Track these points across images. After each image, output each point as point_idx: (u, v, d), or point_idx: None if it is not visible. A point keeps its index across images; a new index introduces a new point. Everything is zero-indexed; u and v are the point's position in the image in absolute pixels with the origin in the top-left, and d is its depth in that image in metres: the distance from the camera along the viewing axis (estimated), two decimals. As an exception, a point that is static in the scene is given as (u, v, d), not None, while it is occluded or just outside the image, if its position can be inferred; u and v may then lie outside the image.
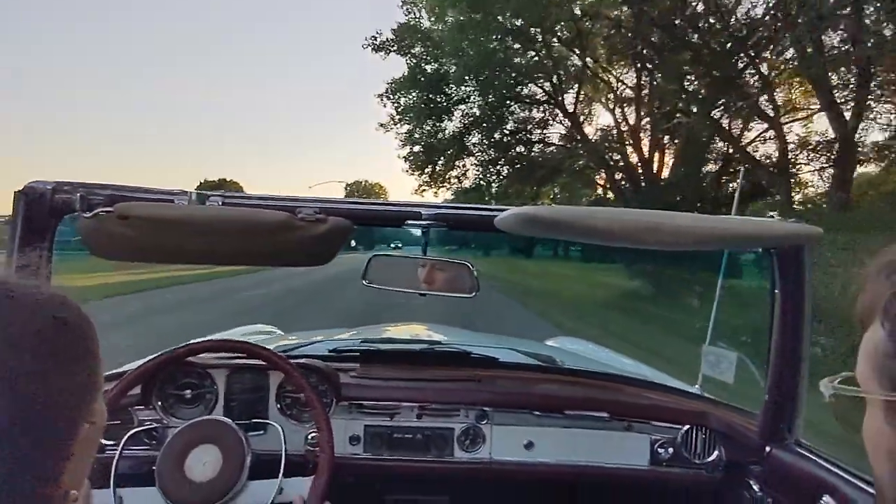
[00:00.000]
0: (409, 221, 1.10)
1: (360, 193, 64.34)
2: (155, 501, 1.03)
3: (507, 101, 16.90)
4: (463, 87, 16.80)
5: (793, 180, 12.79)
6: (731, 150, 13.79)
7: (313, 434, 1.26)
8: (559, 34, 15.19)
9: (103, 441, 0.94)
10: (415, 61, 17.65)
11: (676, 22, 11.77)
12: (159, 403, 1.25)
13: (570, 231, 0.96)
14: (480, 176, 18.50)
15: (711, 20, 11.86)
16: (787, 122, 12.77)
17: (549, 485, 1.42)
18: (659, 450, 1.35)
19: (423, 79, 17.49)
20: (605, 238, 0.97)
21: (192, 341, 1.16)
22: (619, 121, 16.66)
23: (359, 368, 1.43)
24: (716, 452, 1.34)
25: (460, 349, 1.55)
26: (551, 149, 18.10)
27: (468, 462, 1.32)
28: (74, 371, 0.44)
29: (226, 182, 46.99)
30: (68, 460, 0.43)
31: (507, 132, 17.66)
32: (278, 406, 1.29)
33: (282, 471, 1.08)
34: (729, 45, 11.62)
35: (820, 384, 0.51)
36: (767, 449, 1.18)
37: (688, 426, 1.35)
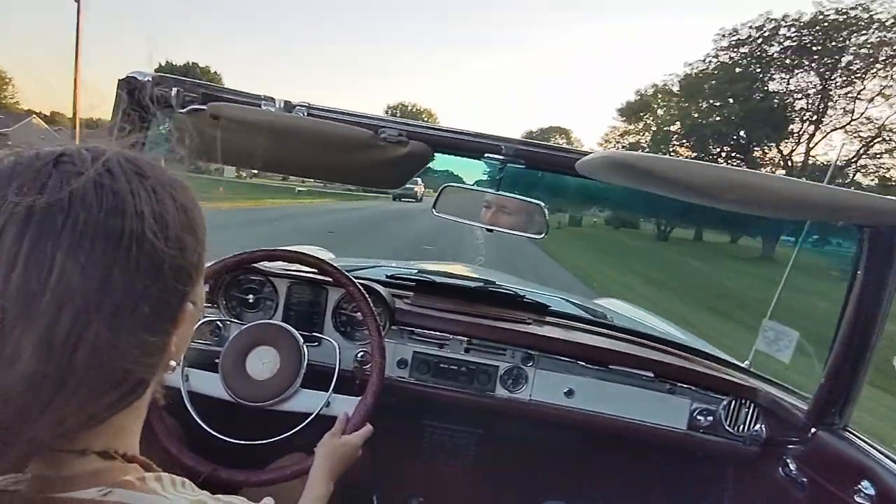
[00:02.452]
0: (489, 154, 1.11)
1: (404, 115, 61.68)
2: (215, 387, 1.12)
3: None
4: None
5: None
6: None
7: (362, 353, 1.34)
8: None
9: None
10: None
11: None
12: (224, 303, 1.34)
13: (652, 181, 0.96)
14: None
15: None
16: None
17: (583, 432, 1.48)
18: (698, 416, 1.38)
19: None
20: (684, 192, 0.96)
21: (263, 248, 1.22)
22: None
23: (413, 297, 1.49)
24: (757, 426, 1.37)
25: (514, 291, 1.59)
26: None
27: (507, 400, 1.38)
28: (194, 248, 0.47)
29: (195, 67, 42.72)
30: (175, 330, 0.47)
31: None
32: (333, 322, 1.37)
33: (332, 385, 1.15)
34: None
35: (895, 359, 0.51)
36: (813, 430, 1.20)
37: (732, 398, 1.38)
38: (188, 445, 1.07)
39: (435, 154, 1.10)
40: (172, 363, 0.49)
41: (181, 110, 1.01)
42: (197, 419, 1.08)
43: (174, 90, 1.01)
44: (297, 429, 1.09)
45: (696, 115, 26.25)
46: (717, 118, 25.02)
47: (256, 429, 1.11)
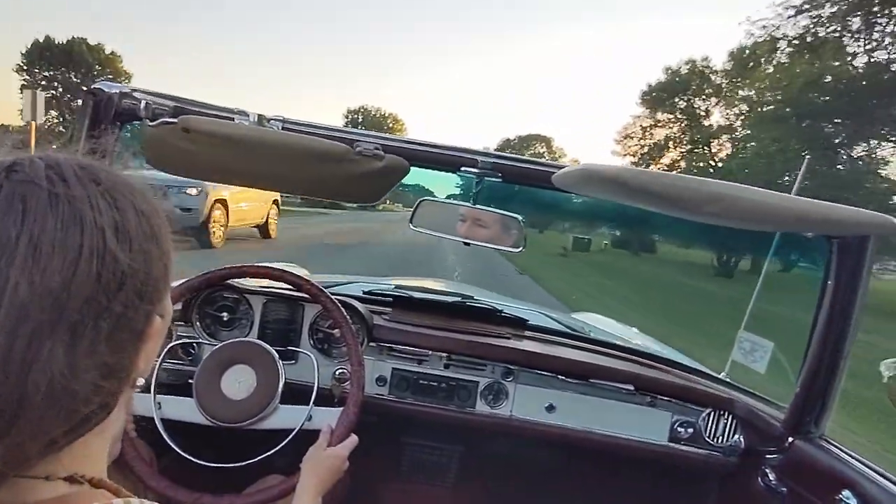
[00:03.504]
0: (465, 168, 1.12)
1: (363, 124, 59.37)
2: (191, 411, 1.09)
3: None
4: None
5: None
6: None
7: (340, 370, 1.32)
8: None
9: None
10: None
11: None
12: (198, 322, 1.31)
13: (629, 194, 0.98)
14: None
15: None
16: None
17: (565, 448, 1.48)
18: (679, 428, 1.39)
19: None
20: (662, 204, 0.98)
21: (236, 265, 1.20)
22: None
23: (391, 313, 1.48)
24: (735, 437, 1.39)
25: (492, 306, 1.59)
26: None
27: (488, 416, 1.37)
28: (158, 258, 0.45)
29: (82, 44, 36.56)
30: (142, 347, 0.45)
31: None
32: (310, 339, 1.35)
33: (313, 399, 1.13)
34: None
35: (881, 364, 0.53)
36: (790, 440, 1.22)
37: (711, 409, 1.39)
38: (167, 475, 1.04)
39: (411, 168, 1.11)
40: (140, 381, 0.48)
41: (150, 123, 1.00)
42: (173, 446, 1.05)
43: (143, 102, 1.00)
44: (281, 444, 1.07)
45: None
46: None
47: (237, 450, 1.08)
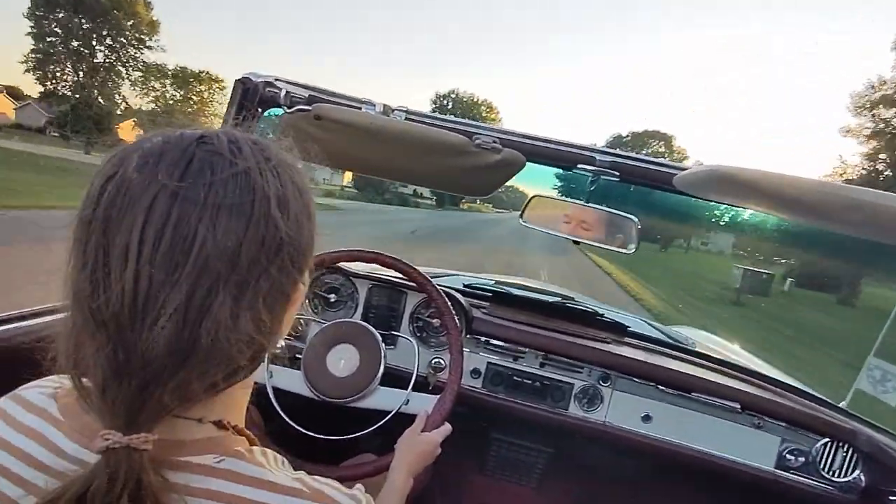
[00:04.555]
0: (582, 165, 1.11)
1: (452, 111, 56.21)
2: (298, 383, 1.16)
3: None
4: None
5: None
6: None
7: (436, 359, 1.36)
8: None
9: None
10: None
11: None
12: (306, 301, 1.40)
13: (761, 199, 0.93)
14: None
15: None
16: None
17: (657, 461, 1.43)
18: (788, 455, 1.31)
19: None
20: (797, 211, 0.92)
21: (345, 249, 1.27)
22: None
23: (490, 307, 1.49)
24: (856, 473, 1.28)
25: (593, 309, 1.57)
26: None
27: (581, 420, 1.36)
28: (308, 230, 0.49)
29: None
30: (288, 309, 0.49)
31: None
32: (410, 327, 1.40)
33: (411, 384, 1.17)
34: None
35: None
36: None
37: (828, 439, 1.29)
38: (272, 439, 1.12)
39: (527, 163, 1.12)
40: (281, 343, 0.53)
41: (288, 110, 1.08)
42: (282, 414, 1.13)
43: (283, 91, 1.08)
44: (378, 424, 1.12)
45: None
46: None
47: (335, 425, 1.15)
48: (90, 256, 0.41)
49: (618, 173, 1.10)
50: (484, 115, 59.25)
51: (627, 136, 57.72)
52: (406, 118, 1.11)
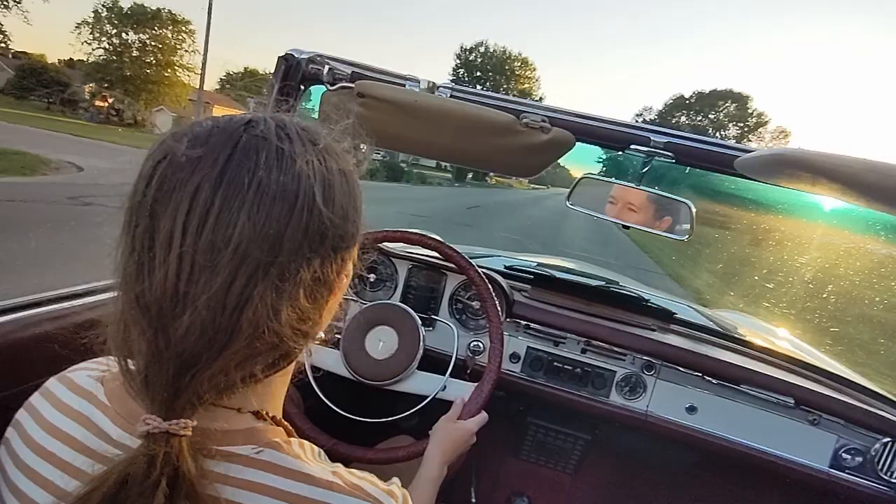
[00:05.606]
0: (635, 146, 1.07)
1: (479, 67, 51.70)
2: (336, 363, 1.18)
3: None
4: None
5: None
6: None
7: (475, 343, 1.35)
8: None
9: None
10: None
11: None
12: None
13: (832, 185, 0.87)
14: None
15: None
16: None
17: (701, 454, 1.40)
18: (844, 454, 1.26)
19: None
20: (875, 199, 0.86)
21: (388, 229, 1.26)
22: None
23: (531, 290, 1.47)
24: None
25: (638, 294, 1.53)
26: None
27: (622, 408, 1.34)
28: (353, 219, 0.49)
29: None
30: (330, 299, 0.49)
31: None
32: (449, 309, 1.39)
33: (449, 370, 1.16)
34: None
35: None
36: None
37: (890, 439, 1.24)
38: (309, 417, 1.14)
39: (577, 142, 1.08)
40: (321, 334, 0.52)
41: (330, 87, 1.07)
42: (319, 393, 1.14)
43: (326, 67, 1.06)
44: (414, 409, 1.12)
45: None
46: None
47: (372, 406, 1.16)
48: (137, 241, 0.41)
49: (673, 154, 1.06)
50: (517, 70, 54.06)
51: (691, 97, 51.87)
52: (451, 95, 1.08)
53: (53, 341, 0.48)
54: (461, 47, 55.18)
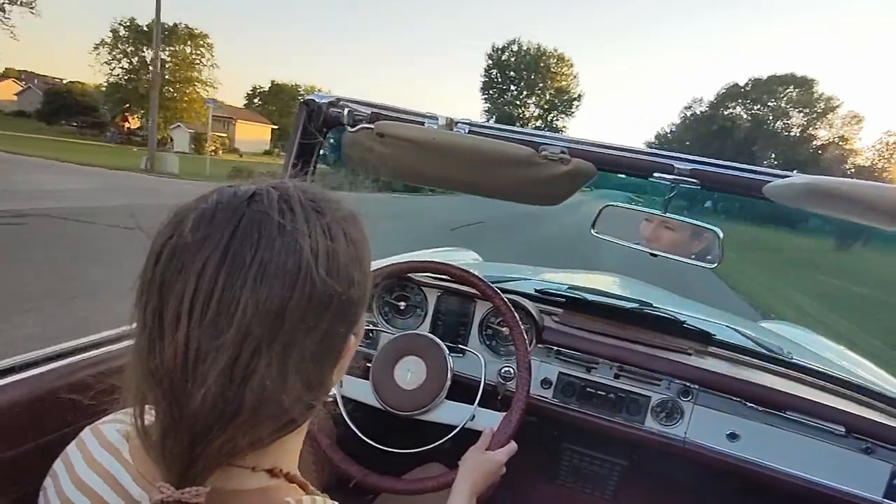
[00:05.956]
0: (659, 174, 1.05)
1: (513, 67, 50.59)
2: (366, 393, 1.20)
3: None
4: None
5: None
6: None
7: (506, 368, 1.35)
8: None
9: None
10: None
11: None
12: (377, 308, 1.45)
13: (865, 213, 0.84)
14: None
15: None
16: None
17: (743, 484, 1.35)
18: None
19: None
20: None
21: (415, 259, 1.29)
22: None
23: (562, 314, 1.46)
24: None
25: (673, 316, 1.49)
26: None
27: (659, 435, 1.31)
28: (360, 282, 0.49)
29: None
30: (338, 363, 0.50)
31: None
32: (479, 334, 1.40)
33: (478, 399, 1.17)
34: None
35: None
36: None
37: None
38: (341, 447, 1.17)
39: (598, 172, 1.07)
40: (333, 392, 0.53)
41: (351, 129, 1.10)
42: (350, 424, 1.17)
43: (346, 110, 1.10)
44: (442, 440, 1.14)
45: None
46: None
47: (402, 436, 1.18)
48: (148, 318, 0.43)
49: (698, 181, 1.03)
50: (553, 67, 52.50)
51: (746, 84, 48.51)
52: (469, 131, 1.10)
53: (90, 389, 0.51)
54: (493, 47, 54.18)
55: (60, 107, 38.34)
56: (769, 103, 47.46)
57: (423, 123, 1.10)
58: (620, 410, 1.33)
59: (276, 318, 0.42)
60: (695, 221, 1.07)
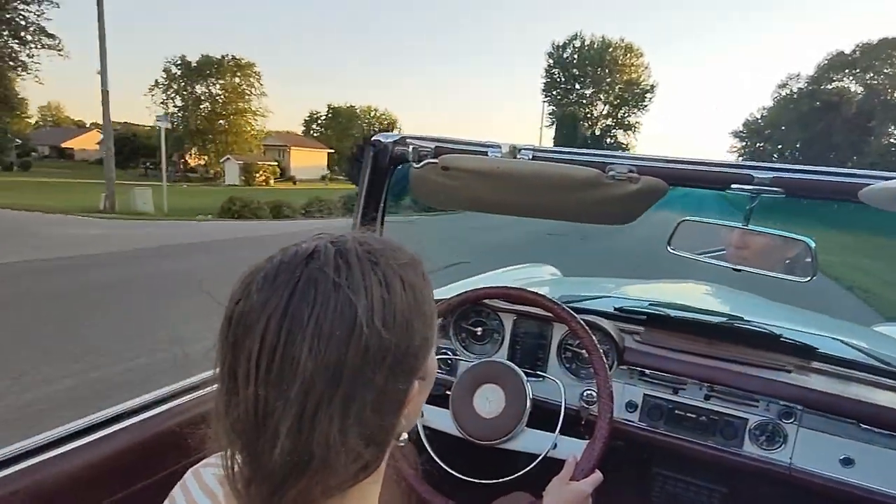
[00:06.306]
0: (736, 185, 1.00)
1: (577, 63, 48.76)
2: (447, 422, 1.22)
3: None
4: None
5: None
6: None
7: (589, 391, 1.31)
8: None
9: None
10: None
11: None
12: (454, 335, 1.47)
13: None
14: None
15: None
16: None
17: None
18: None
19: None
20: None
21: (489, 286, 1.30)
22: None
23: (643, 333, 1.41)
24: None
25: (768, 330, 1.39)
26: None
27: (760, 460, 1.22)
28: (420, 330, 0.51)
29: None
30: (402, 411, 0.51)
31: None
32: (558, 357, 1.38)
33: (559, 427, 1.15)
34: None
35: None
36: None
37: None
38: (425, 478, 1.19)
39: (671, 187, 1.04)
40: (404, 435, 0.55)
41: (416, 165, 1.14)
42: (432, 454, 1.19)
43: (410, 147, 1.14)
44: (525, 470, 1.13)
45: None
46: None
47: (484, 465, 1.18)
48: (224, 377, 0.47)
49: (782, 189, 0.97)
50: (621, 59, 49.50)
51: (854, 51, 42.88)
52: (533, 157, 1.10)
53: (193, 430, 0.56)
54: (553, 45, 51.78)
55: (131, 151, 41.07)
56: (885, 70, 42.24)
57: (485, 153, 1.12)
58: (714, 434, 1.26)
59: (334, 373, 0.44)
60: (783, 233, 1.00)
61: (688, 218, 1.09)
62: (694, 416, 1.27)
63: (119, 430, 0.90)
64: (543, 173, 1.05)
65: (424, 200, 1.21)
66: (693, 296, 1.88)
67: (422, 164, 1.13)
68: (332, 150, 46.25)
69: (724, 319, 1.44)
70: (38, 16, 26.97)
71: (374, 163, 1.17)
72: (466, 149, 1.13)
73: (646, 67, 51.30)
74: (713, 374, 1.26)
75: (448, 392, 1.25)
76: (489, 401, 1.20)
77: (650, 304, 1.58)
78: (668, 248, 1.11)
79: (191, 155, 41.27)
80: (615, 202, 1.06)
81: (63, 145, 51.85)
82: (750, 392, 1.23)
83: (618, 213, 1.10)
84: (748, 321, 1.43)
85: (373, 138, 1.17)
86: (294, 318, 0.44)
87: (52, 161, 46.60)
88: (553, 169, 1.05)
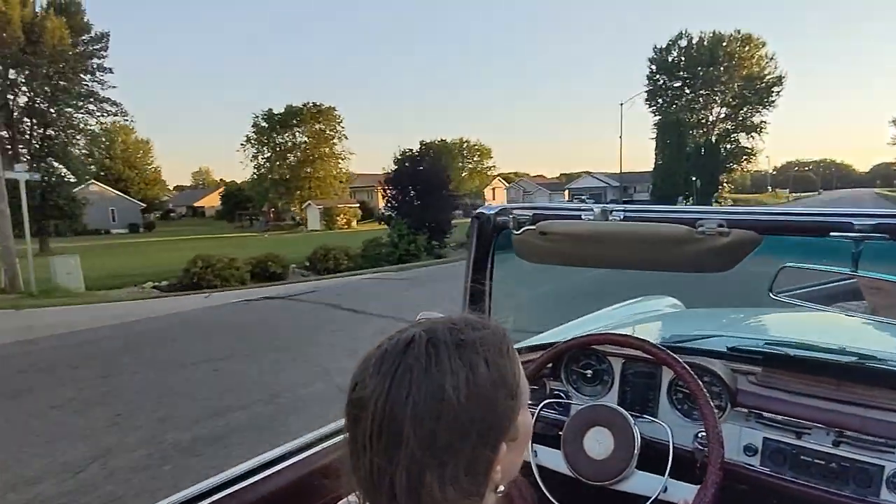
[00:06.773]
0: (836, 233, 1.01)
1: (686, 65, 43.92)
2: (559, 462, 1.29)
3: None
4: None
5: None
6: None
7: (702, 433, 1.32)
8: None
9: None
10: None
11: None
12: (565, 378, 1.55)
13: None
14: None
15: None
16: None
17: None
18: None
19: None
20: None
21: (595, 332, 1.38)
22: None
23: (760, 374, 1.37)
24: None
25: None
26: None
27: None
28: (504, 401, 0.60)
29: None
30: (490, 471, 0.60)
31: None
32: (669, 399, 1.40)
33: (668, 470, 1.17)
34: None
35: None
36: None
37: None
38: None
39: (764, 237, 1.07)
40: (501, 487, 0.64)
41: (516, 232, 1.28)
42: (545, 491, 1.27)
43: (510, 216, 1.28)
44: None
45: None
46: None
47: None
48: (349, 442, 0.60)
49: (888, 234, 0.96)
50: (737, 53, 45.61)
51: None
52: (624, 217, 1.18)
53: (339, 472, 0.65)
54: (654, 49, 48.75)
55: (234, 204, 46.30)
56: None
57: (579, 216, 1.22)
58: (847, 482, 1.20)
59: (429, 443, 0.56)
60: (892, 278, 0.99)
61: (789, 264, 1.10)
62: (823, 462, 1.23)
63: (278, 470, 1.09)
64: (634, 233, 1.13)
65: (527, 260, 1.34)
66: (819, 329, 1.75)
67: (521, 231, 1.27)
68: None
69: (853, 358, 1.37)
70: (102, 85, 29.98)
71: (479, 233, 1.32)
72: (561, 213, 1.25)
73: (770, 58, 46.79)
74: (842, 419, 1.21)
75: (560, 432, 1.33)
76: (599, 443, 1.26)
77: (766, 343, 1.53)
78: (770, 295, 1.12)
79: (280, 204, 43.01)
80: (708, 255, 1.10)
81: (195, 204, 60.02)
82: (886, 438, 1.17)
83: (712, 264, 1.14)
84: (879, 361, 1.35)
85: (478, 211, 1.33)
86: (395, 401, 0.56)
87: (187, 219, 53.73)
88: (643, 228, 1.13)
